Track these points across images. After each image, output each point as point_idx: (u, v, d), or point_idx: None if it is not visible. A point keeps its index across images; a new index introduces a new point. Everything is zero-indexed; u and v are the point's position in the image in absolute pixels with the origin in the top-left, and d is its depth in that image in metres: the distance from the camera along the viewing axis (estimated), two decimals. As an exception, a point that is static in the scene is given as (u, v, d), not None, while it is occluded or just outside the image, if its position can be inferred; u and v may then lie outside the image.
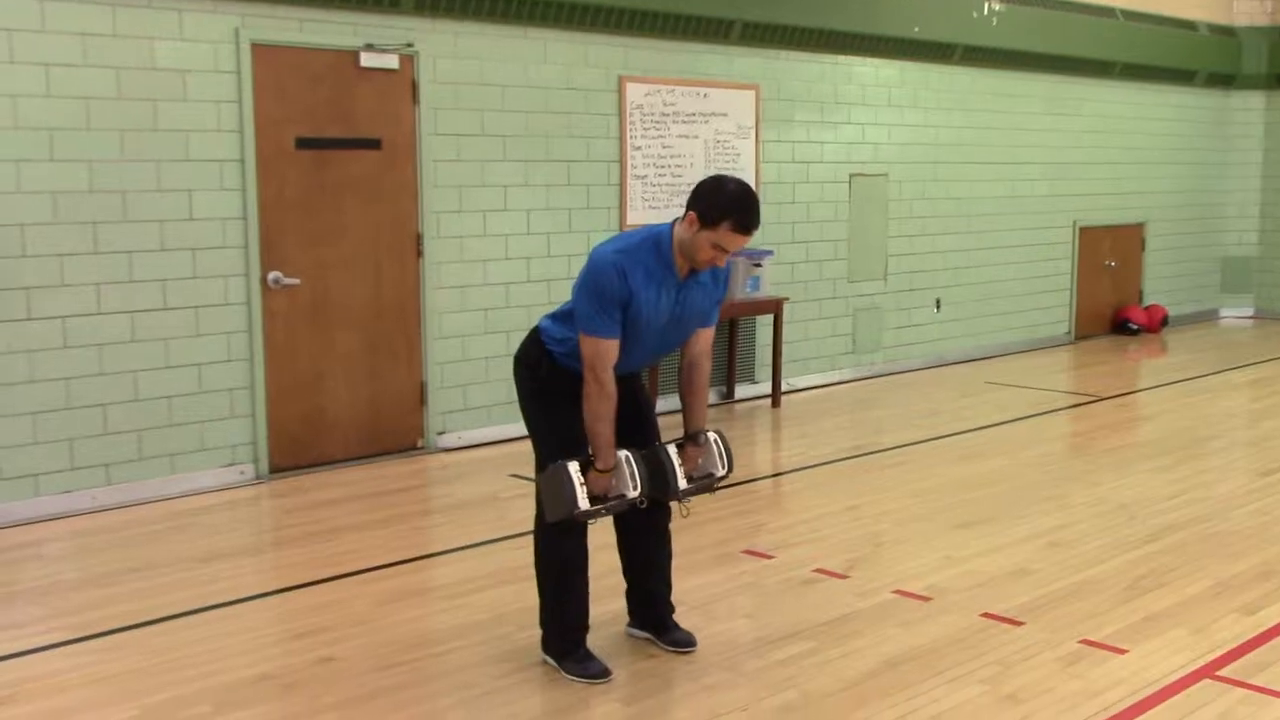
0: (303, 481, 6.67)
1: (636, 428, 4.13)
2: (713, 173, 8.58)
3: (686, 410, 4.19)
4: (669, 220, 4.00)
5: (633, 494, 3.92)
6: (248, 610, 4.79)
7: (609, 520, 4.16)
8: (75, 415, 6.08)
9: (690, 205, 3.84)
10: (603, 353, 3.84)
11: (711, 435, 4.17)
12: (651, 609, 4.36)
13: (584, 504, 3.85)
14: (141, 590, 4.98)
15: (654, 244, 3.89)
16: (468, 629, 4.54)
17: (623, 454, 3.92)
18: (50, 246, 5.94)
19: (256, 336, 6.63)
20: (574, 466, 3.86)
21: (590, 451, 3.90)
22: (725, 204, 3.77)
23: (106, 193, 6.09)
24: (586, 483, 3.86)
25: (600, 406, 3.85)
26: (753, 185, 8.76)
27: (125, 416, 6.23)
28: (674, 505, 4.23)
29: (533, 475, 6.59)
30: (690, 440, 4.15)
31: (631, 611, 4.42)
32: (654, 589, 4.35)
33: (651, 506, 4.10)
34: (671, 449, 4.08)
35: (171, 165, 6.28)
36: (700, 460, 4.16)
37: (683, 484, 4.06)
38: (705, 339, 4.15)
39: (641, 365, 4.17)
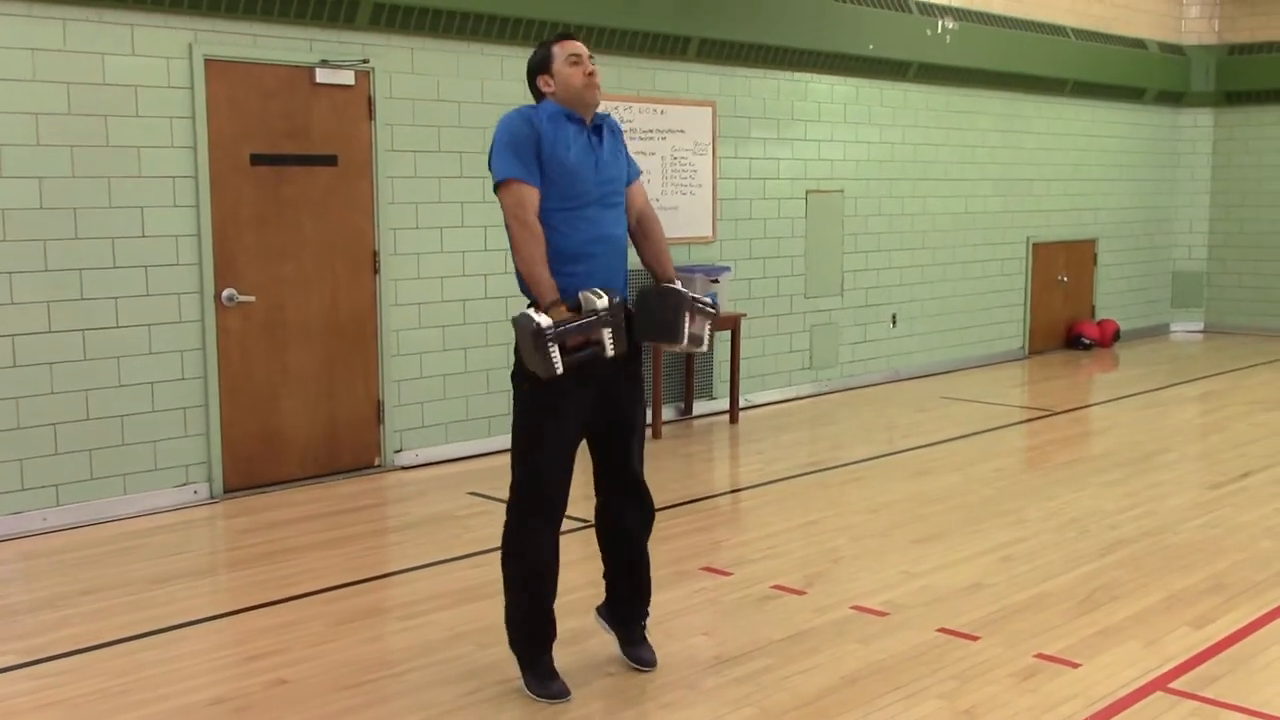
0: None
1: (619, 434, 4.12)
2: (670, 189, 8.65)
3: (652, 263, 4.18)
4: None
5: (602, 306, 3.81)
6: (202, 632, 4.74)
7: (589, 535, 4.11)
8: (25, 435, 6.00)
9: (532, 80, 4.08)
10: (523, 198, 3.87)
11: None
12: (628, 606, 4.30)
13: (543, 320, 3.73)
14: (94, 612, 4.91)
15: (538, 109, 4.02)
16: (426, 649, 4.51)
17: (582, 291, 3.87)
18: (-1, 264, 5.88)
19: (210, 354, 6.57)
20: (530, 307, 3.84)
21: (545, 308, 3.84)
22: (541, 46, 4.09)
23: (57, 209, 6.02)
24: (549, 317, 3.79)
25: (531, 249, 3.86)
26: (711, 201, 8.86)
27: (76, 436, 6.15)
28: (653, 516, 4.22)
29: (490, 494, 6.57)
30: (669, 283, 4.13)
31: (608, 602, 4.36)
32: (637, 585, 4.29)
33: (628, 492, 4.12)
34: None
35: (123, 181, 6.22)
36: None
37: (689, 323, 4.03)
38: (641, 193, 4.23)
39: (613, 258, 4.02)
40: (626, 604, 4.32)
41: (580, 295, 3.86)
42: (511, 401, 4.09)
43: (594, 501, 4.27)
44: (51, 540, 5.92)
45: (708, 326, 4.12)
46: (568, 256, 3.92)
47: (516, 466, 4.07)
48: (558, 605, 4.17)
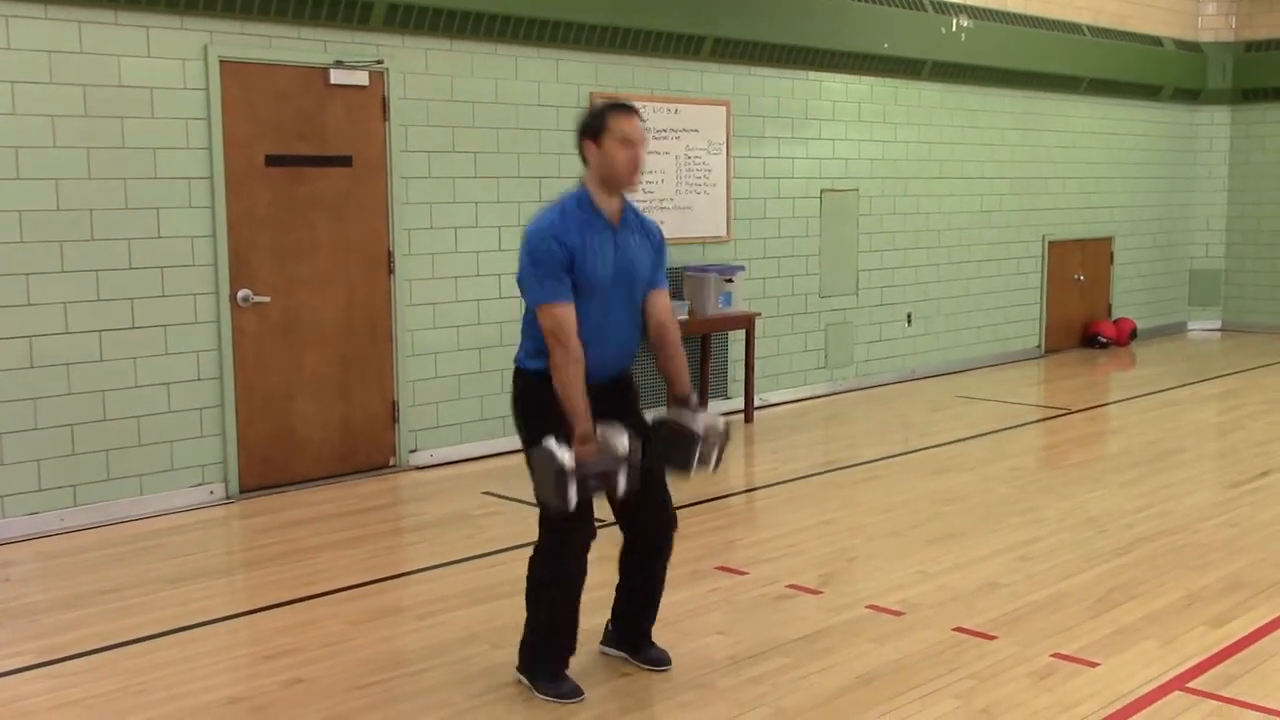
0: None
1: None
2: (684, 188, 8.65)
3: (668, 376, 4.17)
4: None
5: (623, 451, 3.82)
6: (218, 632, 4.75)
7: (607, 533, 4.12)
8: (42, 435, 6.02)
9: (581, 141, 4.04)
10: (561, 319, 3.85)
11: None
12: (635, 628, 4.33)
13: (567, 461, 3.74)
14: (110, 612, 4.93)
15: (576, 202, 4.01)
16: (441, 648, 4.51)
17: (603, 426, 3.86)
18: (16, 265, 5.89)
19: (226, 355, 6.59)
20: (552, 440, 3.81)
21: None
22: (599, 109, 4.04)
23: (73, 211, 6.04)
24: (577, 464, 3.79)
25: (570, 372, 3.84)
26: (725, 200, 8.85)
27: (93, 436, 6.17)
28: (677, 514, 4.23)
29: (504, 493, 6.58)
30: (683, 404, 4.12)
31: (611, 628, 4.39)
32: (645, 610, 4.32)
33: (657, 523, 4.14)
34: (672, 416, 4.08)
35: (139, 183, 6.24)
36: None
37: (698, 463, 4.04)
38: (663, 302, 4.18)
39: (618, 349, 4.07)
40: (635, 600, 4.32)
41: (599, 431, 3.84)
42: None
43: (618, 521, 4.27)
44: (69, 540, 5.95)
45: (718, 450, 4.12)
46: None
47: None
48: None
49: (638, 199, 8.38)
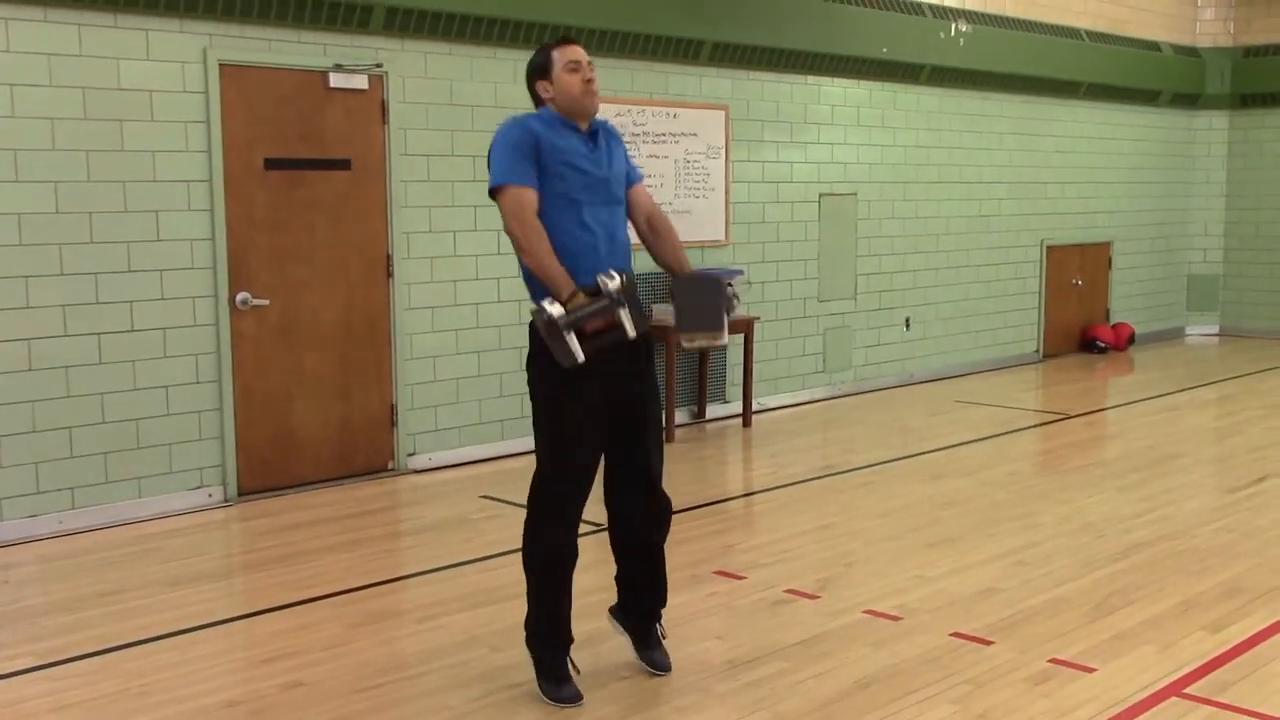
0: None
1: (635, 434, 4.10)
2: (683, 192, 8.66)
3: (669, 261, 4.19)
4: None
5: (615, 286, 3.78)
6: (217, 635, 4.75)
7: (604, 538, 4.10)
8: (41, 438, 6.02)
9: (533, 84, 4.06)
10: (522, 201, 3.87)
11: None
12: (641, 623, 4.31)
13: (555, 311, 3.73)
14: (109, 615, 4.93)
15: (536, 117, 4.02)
16: (440, 652, 4.51)
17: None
18: (15, 268, 5.90)
19: (225, 358, 6.59)
20: (544, 301, 3.81)
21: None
22: (540, 49, 4.10)
23: (72, 214, 6.05)
24: (568, 312, 3.78)
25: (536, 244, 3.85)
26: (724, 204, 8.86)
27: (92, 439, 6.18)
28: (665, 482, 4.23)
29: (503, 497, 6.58)
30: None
31: (621, 601, 4.35)
32: (652, 607, 4.30)
33: (650, 507, 4.14)
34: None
35: (138, 186, 6.25)
36: None
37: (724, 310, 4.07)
38: (644, 194, 4.23)
39: (618, 247, 4.03)
40: (643, 600, 4.30)
41: (597, 279, 3.84)
42: (530, 407, 4.10)
43: (607, 502, 4.26)
44: (68, 543, 5.95)
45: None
46: (568, 254, 3.91)
47: (538, 463, 4.08)
48: (572, 608, 4.17)
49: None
